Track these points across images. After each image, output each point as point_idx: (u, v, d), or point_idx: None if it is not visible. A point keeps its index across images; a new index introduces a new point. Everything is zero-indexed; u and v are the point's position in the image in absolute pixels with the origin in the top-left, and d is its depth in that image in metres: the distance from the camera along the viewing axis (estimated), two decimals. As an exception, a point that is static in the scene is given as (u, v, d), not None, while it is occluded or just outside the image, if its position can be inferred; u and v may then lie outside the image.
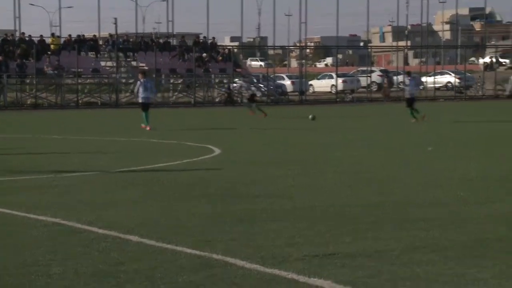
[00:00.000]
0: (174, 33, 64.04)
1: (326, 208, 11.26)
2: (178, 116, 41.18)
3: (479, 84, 68.80)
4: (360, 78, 67.59)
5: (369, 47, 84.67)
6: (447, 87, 69.09)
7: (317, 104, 56.65)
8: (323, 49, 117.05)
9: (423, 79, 68.06)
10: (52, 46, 54.67)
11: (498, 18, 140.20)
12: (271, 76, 62.65)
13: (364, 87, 65.80)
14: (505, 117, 33.42)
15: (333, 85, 65.45)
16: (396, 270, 7.61)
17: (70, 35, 56.63)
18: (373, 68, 73.46)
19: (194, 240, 9.01)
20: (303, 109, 49.74)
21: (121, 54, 56.89)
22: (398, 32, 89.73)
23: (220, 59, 58.71)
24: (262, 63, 71.23)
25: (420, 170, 16.09)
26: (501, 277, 7.32)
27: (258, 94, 60.45)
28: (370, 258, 8.11)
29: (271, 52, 77.50)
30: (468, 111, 43.60)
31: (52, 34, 58.18)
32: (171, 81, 59.28)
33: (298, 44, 77.37)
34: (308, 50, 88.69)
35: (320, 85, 68.82)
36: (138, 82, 30.87)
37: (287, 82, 65.47)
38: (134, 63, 56.95)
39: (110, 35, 61.06)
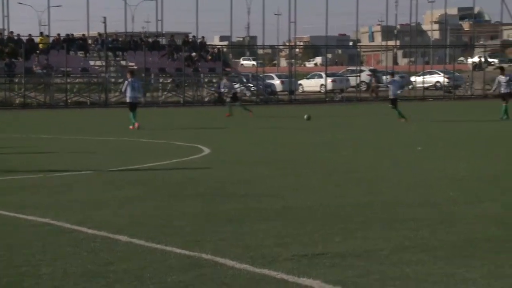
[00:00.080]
0: (164, 32, 64.01)
1: (315, 208, 11.27)
2: (167, 116, 41.15)
3: (468, 83, 69.00)
4: (350, 78, 67.70)
5: (359, 47, 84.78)
6: (436, 86, 69.28)
7: (306, 104, 56.68)
8: (313, 48, 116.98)
9: (412, 78, 68.22)
10: (40, 45, 54.54)
11: (487, 18, 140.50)
12: (261, 75, 62.66)
13: (353, 87, 65.91)
14: (494, 117, 33.49)
15: (322, 84, 65.54)
16: (386, 270, 7.62)
17: (59, 34, 56.52)
18: (363, 68, 73.60)
19: (183, 240, 9.01)
20: (293, 108, 49.77)
21: (110, 54, 56.82)
22: (387, 32, 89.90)
23: (210, 58, 58.69)
24: (255, 63, 71.27)
25: (409, 170, 16.12)
26: (490, 277, 7.34)
27: (248, 93, 60.57)
28: (360, 257, 8.12)
29: (260, 51, 77.38)
30: (457, 111, 43.70)
31: (41, 33, 58.04)
32: (161, 80, 59.24)
33: (287, 44, 77.36)
34: (297, 50, 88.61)
35: (310, 85, 68.87)
36: (126, 82, 30.93)
37: (277, 82, 65.50)
38: (123, 63, 56.87)
39: (99, 34, 60.91)
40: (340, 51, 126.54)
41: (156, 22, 62.62)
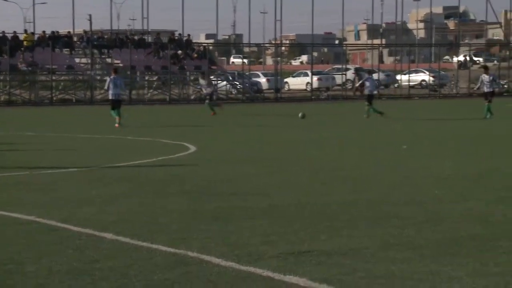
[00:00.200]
0: (149, 30, 63.92)
1: (301, 206, 11.27)
2: (153, 113, 41.08)
3: (453, 82, 69.23)
4: (335, 76, 67.81)
5: (344, 45, 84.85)
6: (421, 85, 69.48)
7: (292, 102, 56.70)
8: (298, 46, 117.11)
9: (398, 77, 68.38)
10: (25, 43, 54.35)
11: (472, 17, 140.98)
12: (247, 73, 62.66)
13: (339, 85, 65.99)
14: (478, 115, 33.60)
15: (308, 82, 65.59)
16: (371, 267, 7.63)
17: (44, 32, 56.30)
18: (348, 66, 73.70)
19: (169, 238, 9.00)
20: (279, 106, 49.78)
21: (95, 51, 56.66)
22: (373, 30, 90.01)
23: (196, 56, 58.63)
24: (246, 60, 71.32)
25: (394, 169, 16.15)
26: (475, 275, 7.36)
27: (234, 91, 60.56)
28: (345, 255, 8.13)
29: (246, 49, 77.38)
30: (442, 109, 43.82)
31: (25, 31, 57.81)
32: (146, 78, 59.17)
33: (273, 42, 77.41)
34: (283, 48, 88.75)
35: (295, 83, 68.94)
36: (108, 79, 31.23)
37: (263, 80, 65.50)
38: (109, 60, 56.75)
39: (85, 32, 60.79)
40: (326, 49, 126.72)
41: (142, 20, 62.63)
